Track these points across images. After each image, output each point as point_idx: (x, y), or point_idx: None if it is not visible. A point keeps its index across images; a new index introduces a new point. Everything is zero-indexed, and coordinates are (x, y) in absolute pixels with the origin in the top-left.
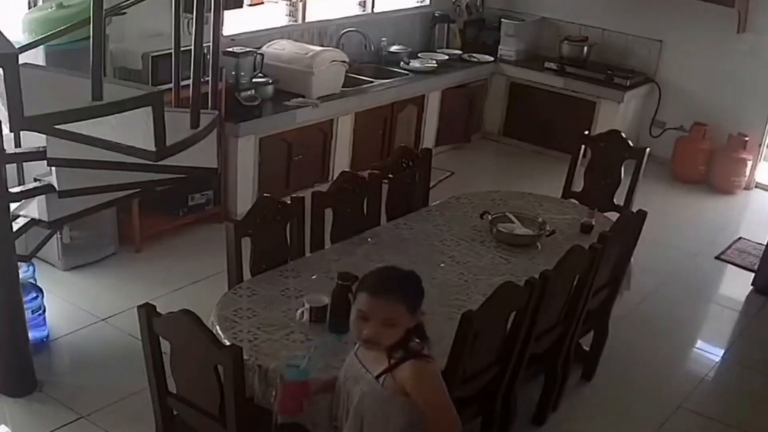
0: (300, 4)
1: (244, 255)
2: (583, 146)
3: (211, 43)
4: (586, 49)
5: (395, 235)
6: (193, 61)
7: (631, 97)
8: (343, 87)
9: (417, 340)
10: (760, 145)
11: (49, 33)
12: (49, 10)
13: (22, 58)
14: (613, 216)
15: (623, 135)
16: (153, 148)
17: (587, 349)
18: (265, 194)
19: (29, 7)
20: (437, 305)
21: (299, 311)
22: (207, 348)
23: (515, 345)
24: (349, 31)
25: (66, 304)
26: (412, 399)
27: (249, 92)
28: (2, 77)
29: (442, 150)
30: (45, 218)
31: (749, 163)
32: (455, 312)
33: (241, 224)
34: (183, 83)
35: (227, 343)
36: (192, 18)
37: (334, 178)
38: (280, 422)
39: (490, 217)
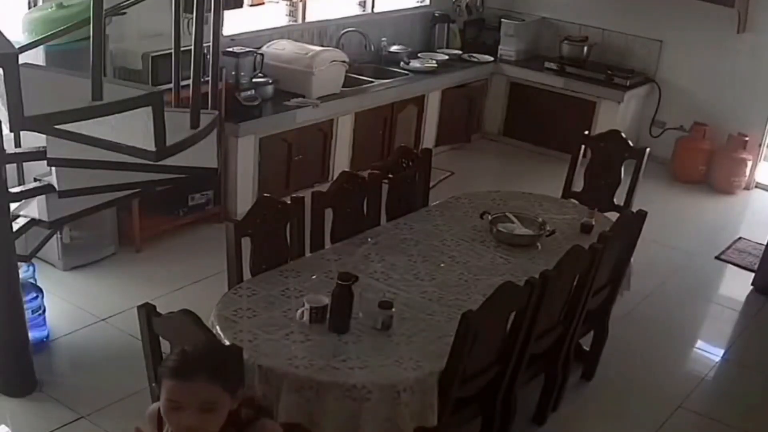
0: (300, 4)
1: (244, 255)
2: (583, 146)
3: (211, 43)
4: (586, 49)
5: (395, 235)
6: (193, 61)
7: (631, 97)
8: (343, 87)
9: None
10: (760, 145)
11: (49, 33)
12: (49, 10)
13: (22, 58)
14: (613, 216)
15: (623, 135)
16: (153, 148)
17: (587, 349)
18: (265, 194)
19: (29, 7)
20: (437, 305)
21: (299, 311)
22: None
23: (515, 345)
24: (349, 31)
25: (66, 304)
26: None
27: (249, 92)
28: (2, 77)
29: (442, 150)
30: (45, 218)
31: (749, 163)
32: (455, 312)
33: (241, 224)
34: (183, 83)
35: (227, 343)
36: (192, 18)
37: (334, 178)
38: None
39: (490, 217)
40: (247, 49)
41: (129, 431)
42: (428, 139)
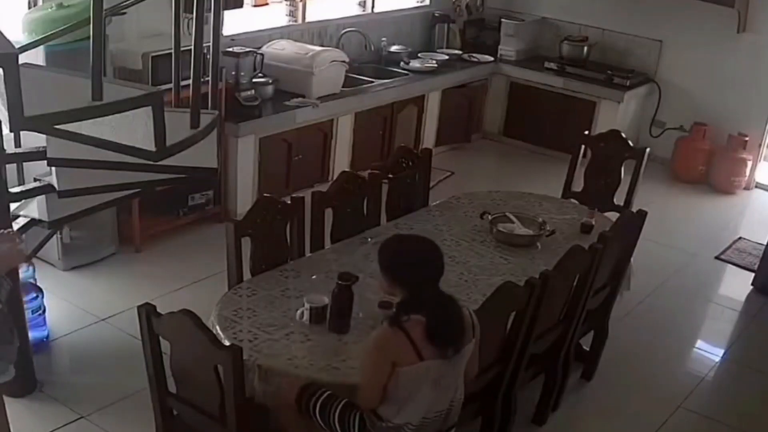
0: (300, 4)
1: (244, 255)
2: (583, 146)
3: (211, 43)
4: (586, 49)
5: None
6: (193, 61)
7: (631, 97)
8: (343, 87)
9: None
10: (760, 145)
11: (49, 33)
12: (49, 10)
13: (22, 58)
14: (613, 216)
15: (623, 135)
16: (153, 148)
17: (587, 349)
18: (265, 194)
19: (29, 7)
20: None
21: (299, 311)
22: (207, 348)
23: (515, 345)
24: (349, 31)
25: (66, 304)
26: None
27: (249, 92)
28: (2, 77)
29: (442, 150)
30: (45, 218)
31: (749, 163)
32: None
33: (241, 224)
34: (183, 83)
35: (227, 343)
36: (192, 18)
37: (334, 178)
38: None
39: (490, 217)
40: (247, 49)
41: (129, 431)
42: (428, 139)
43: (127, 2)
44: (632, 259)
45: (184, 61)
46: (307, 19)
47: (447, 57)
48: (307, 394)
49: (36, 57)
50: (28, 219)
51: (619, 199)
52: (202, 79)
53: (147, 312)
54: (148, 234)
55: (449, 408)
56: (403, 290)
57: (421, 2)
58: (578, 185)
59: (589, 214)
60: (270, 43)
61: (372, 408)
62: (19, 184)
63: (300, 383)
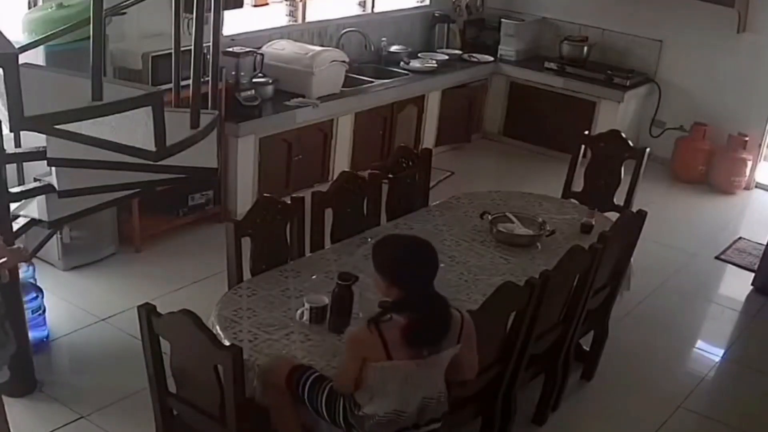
0: (300, 4)
1: (244, 255)
2: (583, 146)
3: (211, 43)
4: (586, 49)
5: None
6: (193, 61)
7: (631, 97)
8: (343, 87)
9: None
10: (760, 145)
11: (49, 33)
12: (49, 10)
13: (22, 58)
14: (613, 216)
15: (623, 135)
16: (153, 148)
17: (587, 349)
18: (265, 194)
19: (29, 7)
20: None
21: (299, 311)
22: (207, 348)
23: (515, 345)
24: (349, 31)
25: (66, 304)
26: None
27: (249, 92)
28: (2, 77)
29: (442, 150)
30: (45, 218)
31: (749, 163)
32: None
33: (241, 224)
34: (183, 83)
35: (227, 343)
36: (192, 18)
37: (334, 178)
38: None
39: (490, 217)
40: (247, 49)
41: (129, 431)
42: (428, 139)
43: (127, 2)
44: (632, 259)
45: (184, 61)
46: (307, 19)
47: (447, 57)
48: (297, 374)
49: (36, 57)
50: (28, 219)
51: (619, 199)
52: (202, 79)
53: (147, 312)
54: (148, 234)
55: (425, 404)
56: (396, 289)
57: (421, 2)
58: (578, 185)
59: (589, 214)
60: (270, 43)
61: (349, 393)
62: (19, 184)
63: (290, 365)
